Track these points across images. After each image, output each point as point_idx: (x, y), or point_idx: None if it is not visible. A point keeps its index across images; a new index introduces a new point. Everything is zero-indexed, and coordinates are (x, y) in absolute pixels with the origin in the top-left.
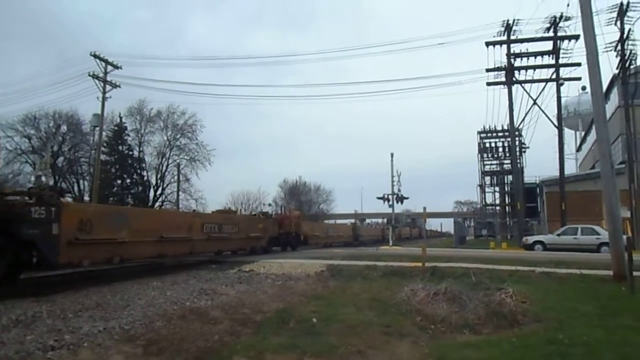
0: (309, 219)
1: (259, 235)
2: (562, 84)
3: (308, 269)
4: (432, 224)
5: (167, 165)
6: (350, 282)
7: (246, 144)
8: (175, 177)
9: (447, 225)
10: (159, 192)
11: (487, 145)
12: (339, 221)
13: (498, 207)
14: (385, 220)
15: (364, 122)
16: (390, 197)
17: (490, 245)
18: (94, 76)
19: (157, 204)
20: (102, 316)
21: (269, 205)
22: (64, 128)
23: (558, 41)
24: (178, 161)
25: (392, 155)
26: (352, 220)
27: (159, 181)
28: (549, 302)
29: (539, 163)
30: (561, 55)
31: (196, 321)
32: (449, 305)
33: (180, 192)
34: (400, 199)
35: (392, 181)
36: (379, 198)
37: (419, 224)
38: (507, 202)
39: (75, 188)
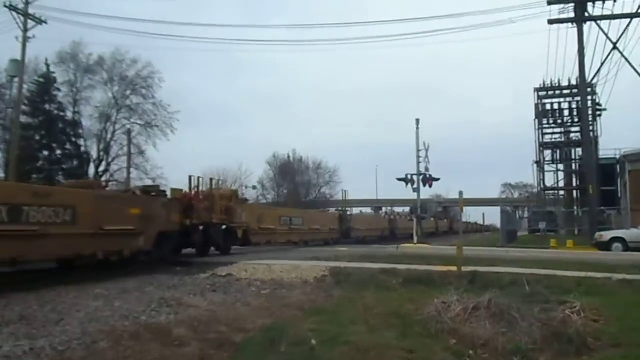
0: (307, 205)
1: (129, 230)
2: None
3: (305, 273)
4: (471, 214)
5: (113, 131)
6: (361, 291)
7: (222, 106)
8: (125, 149)
9: (492, 216)
10: (101, 167)
11: (548, 107)
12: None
13: (562, 192)
14: (407, 209)
15: (379, 77)
16: (414, 177)
17: (551, 244)
18: (11, 7)
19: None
20: (28, 333)
21: (253, 187)
22: None
23: None
24: (128, 127)
25: (417, 122)
26: (362, 209)
27: (101, 153)
28: (631, 320)
29: (620, 131)
30: None
31: (154, 342)
32: (493, 323)
33: (131, 168)
34: (428, 180)
35: (418, 157)
36: (400, 179)
37: (453, 214)
38: (574, 184)
39: None
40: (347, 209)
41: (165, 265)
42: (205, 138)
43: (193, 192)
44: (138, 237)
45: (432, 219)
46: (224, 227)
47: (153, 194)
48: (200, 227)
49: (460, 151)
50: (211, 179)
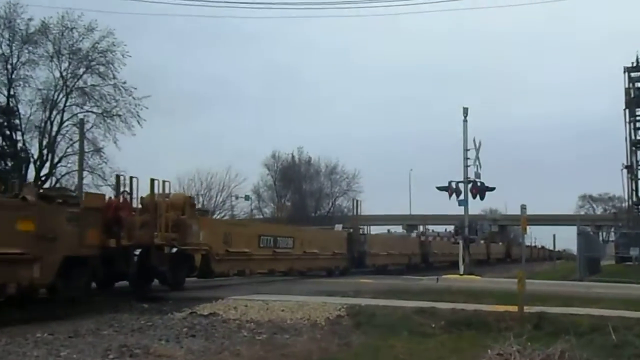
0: (314, 222)
1: (15, 255)
2: None
3: (315, 313)
4: (538, 236)
5: (61, 123)
6: (389, 338)
7: (206, 92)
8: (76, 145)
9: (566, 239)
10: (45, 170)
11: None
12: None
13: None
14: (449, 229)
15: (413, 52)
16: (461, 187)
17: None
18: None
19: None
20: None
21: (246, 198)
22: None
23: None
24: (81, 117)
25: (465, 113)
26: (391, 228)
27: (44, 151)
28: None
29: None
30: None
31: None
32: None
33: (85, 172)
34: (480, 190)
35: (466, 158)
36: (441, 189)
37: (513, 236)
38: None
39: None
40: (362, 226)
41: (127, 300)
42: (184, 132)
43: (122, 199)
44: (31, 266)
45: (482, 242)
46: (173, 250)
47: (58, 201)
48: (137, 252)
49: (523, 153)
50: (152, 180)
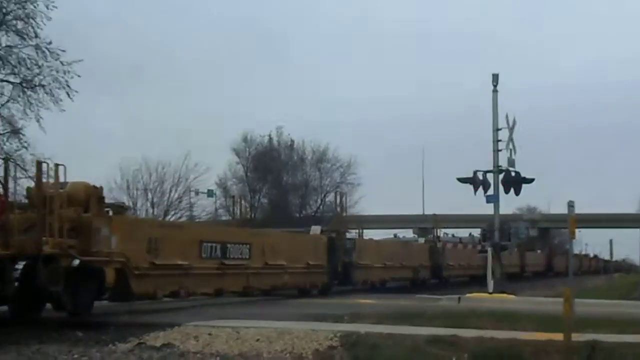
0: (299, 224)
1: None
2: None
3: (300, 344)
4: (590, 242)
5: None
6: None
7: (155, 60)
8: None
9: (626, 245)
10: None
11: None
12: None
13: None
14: (474, 234)
15: (426, 17)
16: (489, 178)
17: None
18: None
19: None
20: None
21: (209, 194)
22: None
23: None
24: None
25: (495, 81)
26: (399, 232)
27: None
28: None
29: None
30: None
31: None
32: None
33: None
34: (515, 182)
35: (496, 140)
36: (463, 181)
37: (559, 242)
38: None
39: None
40: (353, 230)
41: (58, 327)
42: (132, 110)
43: None
44: None
45: (515, 249)
46: (75, 263)
47: None
48: (19, 265)
49: (571, 134)
50: (39, 163)
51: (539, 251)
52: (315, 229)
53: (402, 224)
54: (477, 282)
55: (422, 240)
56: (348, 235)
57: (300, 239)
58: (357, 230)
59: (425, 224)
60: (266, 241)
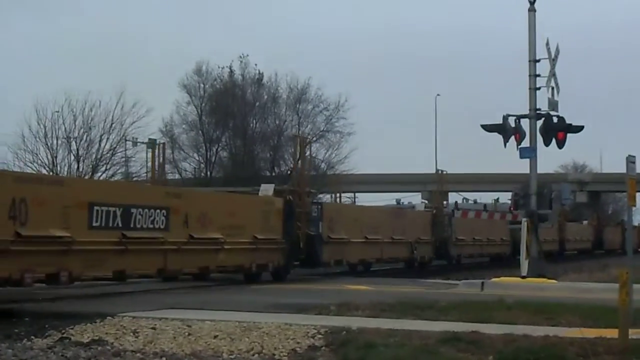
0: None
1: None
2: None
3: (270, 342)
4: None
5: None
6: None
7: None
8: None
9: None
10: None
11: None
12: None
13: None
14: (505, 199)
15: None
16: (524, 125)
17: None
18: None
19: None
20: None
21: (149, 144)
22: None
23: None
24: None
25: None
26: (407, 199)
27: None
28: None
29: None
30: None
31: None
32: None
33: None
34: (558, 131)
35: (533, 76)
36: (488, 128)
37: (613, 210)
38: None
39: None
40: (329, 195)
41: None
42: (56, 33)
43: None
44: None
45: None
46: None
47: None
48: None
49: (630, 77)
50: None
51: (584, 222)
52: (267, 189)
53: (407, 187)
54: (499, 263)
55: (421, 206)
56: (312, 199)
57: (243, 202)
58: (338, 194)
59: (437, 187)
60: (192, 205)
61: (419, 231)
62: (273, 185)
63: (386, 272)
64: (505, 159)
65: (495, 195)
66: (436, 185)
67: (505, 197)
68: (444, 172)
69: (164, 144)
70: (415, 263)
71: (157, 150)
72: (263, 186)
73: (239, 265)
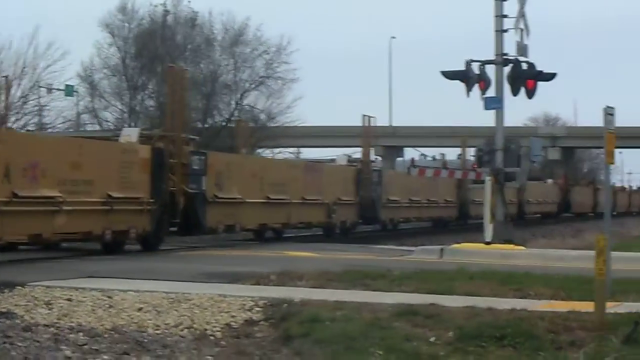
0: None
1: None
2: None
3: (202, 316)
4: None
5: None
6: None
7: None
8: None
9: None
10: None
11: None
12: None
13: None
14: (469, 155)
15: None
16: (491, 72)
17: None
18: None
19: None
20: None
21: (67, 91)
22: None
23: None
24: None
25: None
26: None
27: None
28: None
29: None
30: None
31: None
32: None
33: None
34: (528, 78)
35: (499, 17)
36: (450, 75)
37: (589, 169)
38: None
39: None
40: (269, 150)
41: None
42: None
43: None
44: None
45: (546, 181)
46: None
47: None
48: None
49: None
50: None
51: (549, 181)
52: (129, 133)
53: (359, 141)
54: (443, 229)
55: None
56: (194, 149)
57: (92, 150)
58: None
59: (393, 141)
60: (16, 153)
61: (339, 191)
62: (138, 129)
63: (298, 239)
64: (470, 110)
65: (458, 150)
66: (398, 139)
67: (469, 153)
68: (422, 127)
69: None
70: (336, 229)
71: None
72: (125, 130)
73: (86, 232)
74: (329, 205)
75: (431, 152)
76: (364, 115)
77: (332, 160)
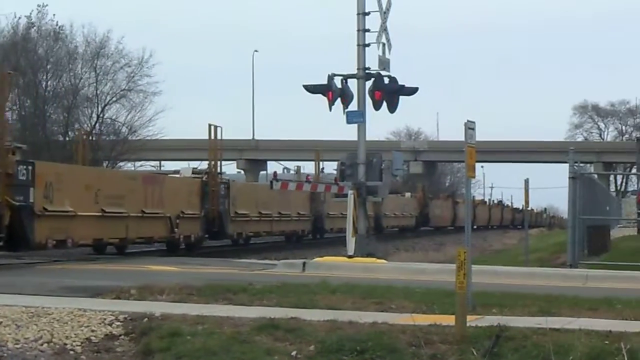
0: (61, 152)
1: None
2: None
3: (62, 330)
4: (499, 181)
5: None
6: None
7: None
8: None
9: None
10: None
11: None
12: None
13: None
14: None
15: None
16: (353, 86)
17: None
18: None
19: None
20: None
21: None
22: None
23: None
24: None
25: None
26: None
27: None
28: None
29: None
30: None
31: None
32: None
33: None
34: (390, 93)
35: (362, 31)
36: (312, 89)
37: (452, 183)
38: None
39: None
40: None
41: None
42: None
43: None
44: None
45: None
46: None
47: None
48: None
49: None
50: None
51: (407, 194)
52: None
53: (222, 154)
54: (298, 244)
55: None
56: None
57: None
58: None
59: (257, 154)
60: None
61: (183, 204)
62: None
63: (141, 254)
64: (334, 125)
65: (322, 164)
66: (261, 153)
67: (332, 167)
68: (284, 141)
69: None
70: (180, 244)
71: None
72: None
73: None
74: (171, 219)
75: (294, 165)
76: (210, 125)
77: (177, 172)
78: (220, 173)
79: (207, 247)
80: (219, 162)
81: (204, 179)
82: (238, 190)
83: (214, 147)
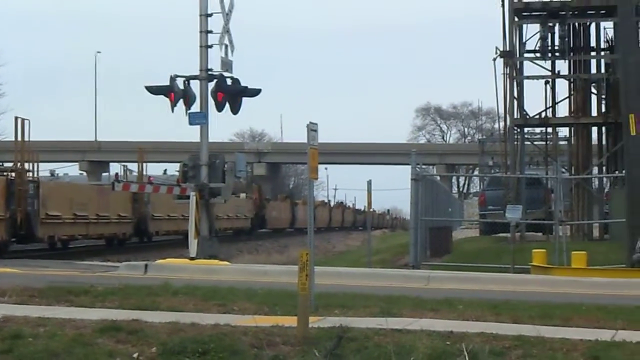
0: None
1: None
2: None
3: None
4: (344, 184)
5: None
6: None
7: None
8: None
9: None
10: None
11: None
12: None
13: (563, 131)
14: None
15: None
16: (196, 87)
17: (533, 260)
18: None
19: None
20: None
21: None
22: None
23: None
24: None
25: None
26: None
27: None
28: None
29: None
30: None
31: None
32: None
33: None
34: (232, 94)
35: (204, 32)
36: (154, 90)
37: (295, 185)
38: (593, 112)
39: None
40: None
41: None
42: None
43: None
44: None
45: (239, 196)
46: None
47: None
48: None
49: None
50: None
51: (241, 195)
52: None
53: (64, 156)
54: (120, 248)
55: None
56: None
57: None
58: None
59: (99, 156)
60: None
61: None
62: None
63: None
64: (180, 126)
65: (164, 165)
66: (105, 155)
67: (174, 169)
68: (126, 142)
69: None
70: None
71: None
72: None
73: None
74: None
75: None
76: (16, 118)
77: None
78: (30, 171)
79: (18, 251)
80: (33, 162)
81: (9, 177)
82: (50, 190)
83: (22, 143)
